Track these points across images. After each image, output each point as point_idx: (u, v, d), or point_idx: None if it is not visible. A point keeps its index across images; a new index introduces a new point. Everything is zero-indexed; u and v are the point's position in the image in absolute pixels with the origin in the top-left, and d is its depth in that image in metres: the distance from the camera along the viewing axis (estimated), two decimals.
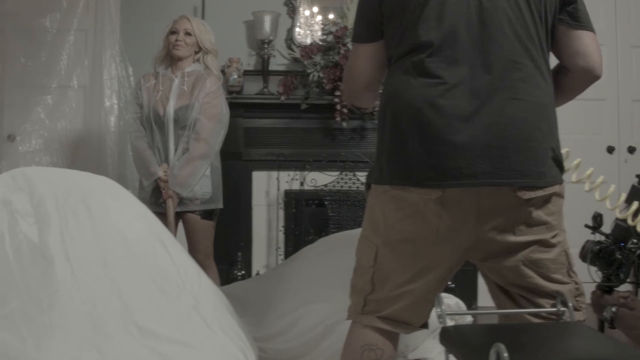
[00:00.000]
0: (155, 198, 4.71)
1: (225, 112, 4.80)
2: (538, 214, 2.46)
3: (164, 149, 4.73)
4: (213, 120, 4.69)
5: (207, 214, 4.80)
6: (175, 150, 4.70)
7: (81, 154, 6.26)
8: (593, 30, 2.62)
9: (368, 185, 2.69)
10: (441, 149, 2.35)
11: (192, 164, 4.61)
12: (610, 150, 6.55)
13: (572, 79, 2.66)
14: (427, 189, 2.38)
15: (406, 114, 2.42)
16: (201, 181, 4.69)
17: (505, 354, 1.83)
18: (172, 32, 4.84)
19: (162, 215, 4.60)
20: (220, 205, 4.92)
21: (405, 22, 2.49)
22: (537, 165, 2.41)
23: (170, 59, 4.89)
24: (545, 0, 2.50)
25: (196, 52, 4.91)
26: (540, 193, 2.43)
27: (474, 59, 2.40)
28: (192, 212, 4.75)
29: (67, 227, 3.09)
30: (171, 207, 4.61)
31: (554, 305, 2.45)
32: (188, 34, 4.83)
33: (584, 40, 2.61)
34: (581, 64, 2.62)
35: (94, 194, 3.27)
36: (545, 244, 2.50)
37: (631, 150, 6.55)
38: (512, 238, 2.46)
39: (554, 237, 2.51)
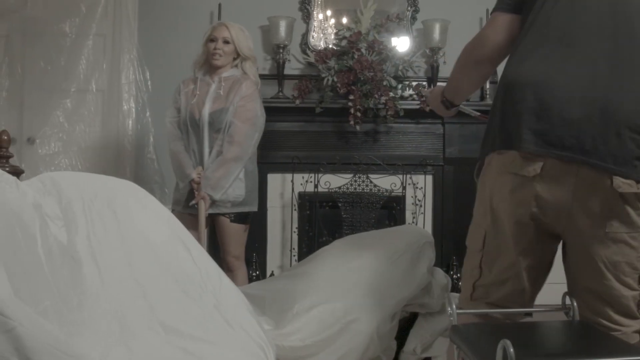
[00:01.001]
0: (189, 200, 4.79)
1: (260, 115, 4.87)
2: (629, 212, 2.45)
3: (199, 152, 4.82)
4: (247, 123, 4.76)
5: (238, 217, 4.86)
6: (210, 153, 4.78)
7: (99, 156, 6.34)
8: None
9: (477, 173, 2.75)
10: (547, 119, 2.43)
11: (225, 167, 4.69)
12: None
13: None
14: (529, 161, 2.45)
15: (520, 85, 2.51)
16: (234, 184, 4.76)
17: (511, 350, 1.89)
18: (211, 40, 4.90)
19: (194, 216, 4.71)
20: (254, 209, 5.00)
21: (539, 5, 2.59)
22: (635, 157, 2.41)
23: (209, 65, 4.96)
24: None
25: (234, 59, 4.96)
26: (635, 189, 2.42)
27: (599, 49, 2.46)
28: (223, 214, 4.82)
29: (94, 229, 3.17)
30: (203, 209, 4.69)
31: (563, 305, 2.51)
32: (226, 42, 4.89)
33: None
34: None
35: (118, 197, 3.35)
36: (629, 246, 2.49)
37: None
38: (601, 232, 2.47)
39: (635, 239, 2.50)
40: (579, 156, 2.40)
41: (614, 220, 2.45)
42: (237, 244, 4.91)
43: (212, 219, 4.86)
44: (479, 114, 3.53)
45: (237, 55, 4.96)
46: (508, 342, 1.92)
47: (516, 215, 2.53)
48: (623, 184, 2.40)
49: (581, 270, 2.58)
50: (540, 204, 2.49)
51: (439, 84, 3.05)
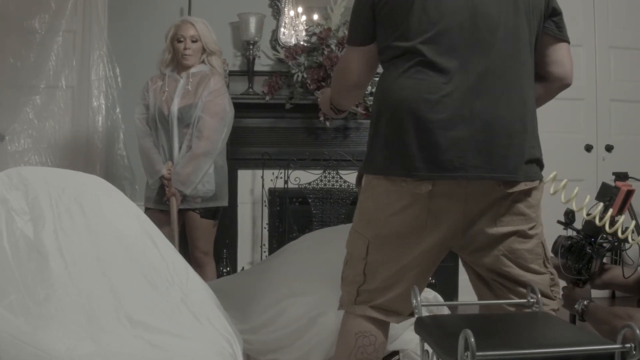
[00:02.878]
0: (160, 196, 4.81)
1: (228, 109, 4.88)
2: (518, 206, 2.61)
3: (168, 148, 4.82)
4: (216, 118, 4.77)
5: (207, 213, 4.88)
6: (180, 148, 4.79)
7: (69, 153, 6.30)
8: (569, 41, 2.78)
9: (359, 182, 2.81)
10: (433, 143, 2.48)
11: (194, 162, 4.70)
12: (589, 148, 6.66)
13: (545, 86, 2.81)
14: (418, 181, 2.50)
15: (401, 109, 2.53)
16: (204, 179, 4.77)
17: (472, 339, 1.92)
18: (178, 40, 4.90)
19: (166, 213, 4.72)
20: (224, 204, 5.02)
21: (397, 24, 2.61)
22: (521, 162, 2.55)
23: (177, 62, 4.97)
24: (534, 9, 2.62)
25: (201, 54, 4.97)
26: (522, 187, 2.57)
27: (466, 60, 2.52)
28: (193, 210, 4.83)
29: (61, 224, 3.18)
30: (174, 205, 4.70)
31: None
32: (194, 40, 4.90)
33: (563, 50, 2.77)
34: (558, 72, 2.78)
35: (86, 192, 3.36)
36: (524, 235, 2.64)
37: (608, 148, 6.67)
38: (494, 229, 2.60)
39: (531, 228, 2.65)
40: (468, 173, 2.50)
41: (503, 217, 2.61)
42: (206, 239, 4.93)
43: (181, 215, 4.85)
44: (362, 111, 3.60)
45: (203, 50, 4.96)
46: (469, 332, 1.94)
47: (409, 227, 2.60)
48: (511, 186, 2.56)
49: (486, 265, 2.70)
50: (433, 216, 2.57)
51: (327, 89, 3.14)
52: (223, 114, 4.83)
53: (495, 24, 2.54)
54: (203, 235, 4.90)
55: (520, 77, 2.58)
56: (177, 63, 4.95)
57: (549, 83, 2.81)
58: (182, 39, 4.88)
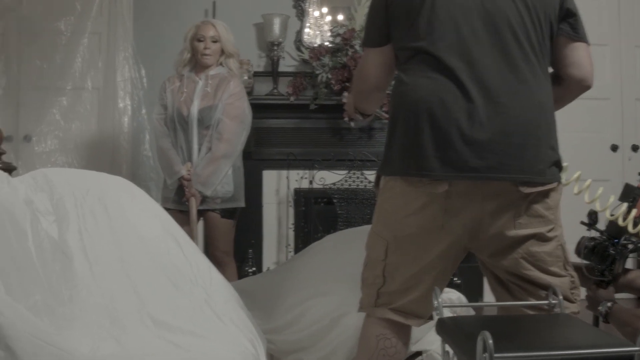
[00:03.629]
0: (179, 196, 4.83)
1: (247, 113, 4.90)
2: (536, 208, 2.58)
3: (187, 149, 4.84)
4: (236, 120, 4.79)
5: (227, 213, 4.90)
6: (199, 150, 4.81)
7: (95, 154, 6.34)
8: (588, 42, 2.75)
9: (377, 183, 2.81)
10: (449, 143, 2.47)
11: (215, 164, 4.72)
12: (614, 148, 6.63)
13: (565, 88, 2.78)
14: (435, 182, 2.50)
15: (417, 110, 2.53)
16: (223, 180, 4.79)
17: (490, 341, 1.92)
18: (199, 39, 4.92)
19: (184, 213, 4.74)
20: (242, 204, 5.03)
21: (408, 24, 2.61)
22: (538, 163, 2.53)
23: (195, 62, 4.99)
24: (546, 9, 2.61)
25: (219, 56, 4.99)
26: (539, 188, 2.55)
27: (478, 60, 2.51)
28: (213, 210, 4.86)
29: (85, 225, 3.20)
30: (194, 206, 4.73)
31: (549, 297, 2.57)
32: (214, 41, 4.92)
33: (581, 51, 2.74)
34: (576, 74, 2.74)
35: (110, 193, 3.37)
36: (542, 238, 2.61)
37: (635, 148, 6.63)
38: (513, 232, 2.57)
39: (550, 231, 2.63)
40: (484, 174, 2.49)
41: (521, 219, 2.58)
42: (226, 239, 4.96)
43: (201, 215, 4.89)
44: (387, 115, 3.60)
45: (222, 52, 4.98)
46: (487, 334, 1.94)
47: (426, 228, 2.59)
48: (529, 188, 2.54)
49: (505, 268, 2.68)
50: (450, 216, 2.56)
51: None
52: (243, 117, 4.86)
53: (505, 24, 2.54)
54: (223, 235, 4.93)
55: (533, 78, 2.57)
56: (196, 63, 4.99)
57: (569, 85, 2.79)
58: (202, 39, 4.91)
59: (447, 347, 2.35)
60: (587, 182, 2.79)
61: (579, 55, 2.74)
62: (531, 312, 2.65)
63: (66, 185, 3.33)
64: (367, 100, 3.05)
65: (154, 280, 3.19)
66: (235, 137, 4.79)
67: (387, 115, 3.57)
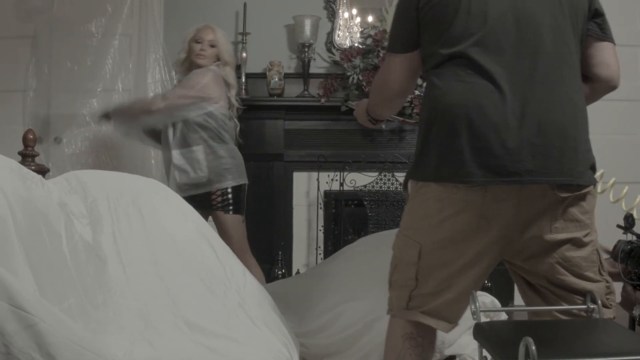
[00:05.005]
0: None
1: (205, 85, 4.82)
2: (572, 212, 2.55)
3: (164, 138, 4.89)
4: (184, 87, 4.84)
5: (228, 207, 4.80)
6: (174, 135, 4.81)
7: (125, 155, 6.34)
8: (614, 42, 2.74)
9: (405, 185, 2.78)
10: (486, 148, 2.44)
11: (137, 107, 4.92)
12: None
13: (591, 87, 2.75)
14: (471, 188, 2.47)
15: (453, 114, 2.50)
16: (193, 165, 4.76)
17: (533, 347, 1.90)
18: (197, 41, 4.96)
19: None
20: (220, 186, 4.83)
21: (443, 28, 2.58)
22: (575, 165, 2.50)
23: (189, 64, 5.02)
24: (577, 10, 2.59)
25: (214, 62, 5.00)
26: (576, 192, 2.52)
27: (514, 63, 2.48)
28: (217, 209, 4.77)
29: (119, 227, 3.21)
30: None
31: (584, 303, 2.53)
32: (212, 45, 4.95)
33: (608, 51, 2.73)
34: (604, 73, 2.73)
35: (143, 195, 3.38)
36: (578, 243, 2.58)
37: None
38: (549, 236, 2.54)
39: (586, 235, 2.59)
40: (522, 178, 2.45)
41: (557, 223, 2.55)
42: (237, 236, 4.81)
43: (208, 215, 4.80)
44: (401, 118, 3.57)
45: (217, 59, 4.98)
46: (530, 340, 1.92)
47: (460, 232, 2.55)
48: (566, 191, 2.51)
49: (539, 272, 2.65)
50: (485, 221, 2.52)
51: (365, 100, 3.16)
52: (193, 84, 4.79)
53: (540, 25, 2.52)
54: (233, 232, 4.79)
55: (568, 79, 2.55)
56: (190, 64, 5.00)
57: (595, 84, 2.76)
58: (200, 41, 4.95)
59: (485, 352, 2.33)
60: (611, 180, 2.77)
61: (606, 55, 2.73)
62: (564, 317, 2.62)
63: (100, 188, 3.34)
64: (388, 107, 3.04)
65: (188, 284, 3.19)
66: (175, 98, 4.78)
67: (399, 118, 3.54)
